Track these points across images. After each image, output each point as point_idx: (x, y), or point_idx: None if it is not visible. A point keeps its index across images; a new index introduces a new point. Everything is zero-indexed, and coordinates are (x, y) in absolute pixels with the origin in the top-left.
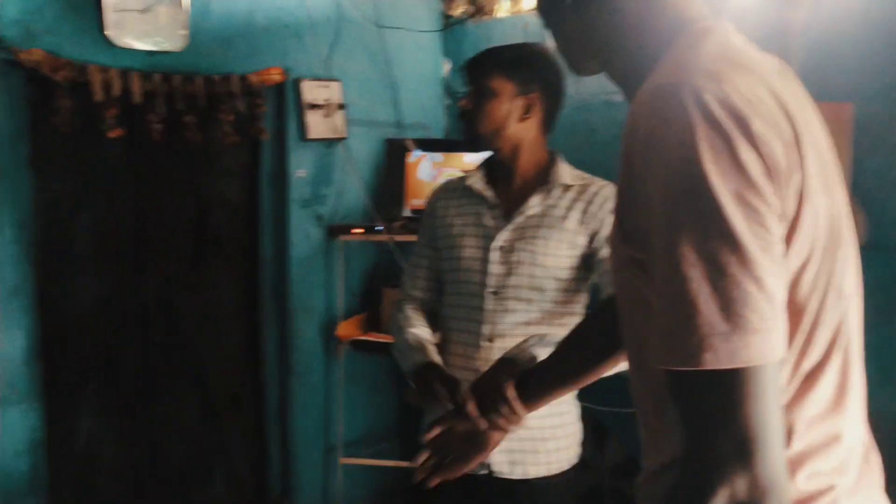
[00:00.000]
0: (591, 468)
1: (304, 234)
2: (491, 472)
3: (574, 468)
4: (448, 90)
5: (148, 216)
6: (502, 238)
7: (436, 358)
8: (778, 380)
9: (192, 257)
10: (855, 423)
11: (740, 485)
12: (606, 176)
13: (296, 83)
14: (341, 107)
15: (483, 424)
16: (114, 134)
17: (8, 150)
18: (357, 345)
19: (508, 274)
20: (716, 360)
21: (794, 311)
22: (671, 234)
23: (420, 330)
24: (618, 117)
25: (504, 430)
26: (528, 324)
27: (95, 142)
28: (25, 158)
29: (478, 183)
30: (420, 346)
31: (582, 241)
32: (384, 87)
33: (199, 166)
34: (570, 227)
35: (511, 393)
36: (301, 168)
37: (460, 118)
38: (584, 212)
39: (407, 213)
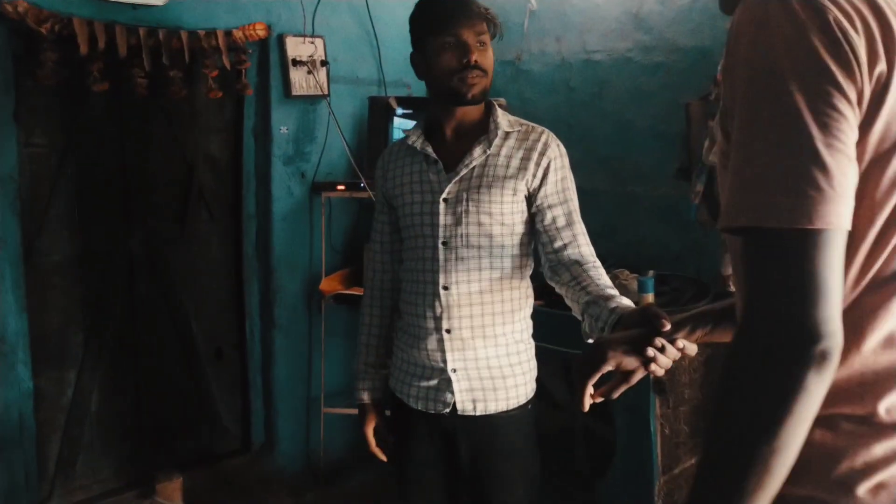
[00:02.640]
0: (563, 409)
1: (287, 190)
2: (455, 411)
3: (531, 401)
4: None
5: (133, 170)
6: (448, 191)
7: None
8: (833, 246)
9: (177, 212)
10: None
11: (789, 332)
12: (586, 134)
13: (280, 39)
14: (324, 63)
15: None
16: (99, 88)
17: None
18: (339, 299)
19: (457, 224)
20: (761, 218)
21: (868, 204)
22: (746, 109)
23: (374, 340)
24: (597, 76)
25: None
26: (480, 269)
27: (80, 96)
28: (10, 112)
29: (417, 141)
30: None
31: (524, 185)
32: (367, 45)
33: (184, 121)
34: (511, 173)
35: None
36: (284, 125)
37: None
38: (525, 158)
39: None
